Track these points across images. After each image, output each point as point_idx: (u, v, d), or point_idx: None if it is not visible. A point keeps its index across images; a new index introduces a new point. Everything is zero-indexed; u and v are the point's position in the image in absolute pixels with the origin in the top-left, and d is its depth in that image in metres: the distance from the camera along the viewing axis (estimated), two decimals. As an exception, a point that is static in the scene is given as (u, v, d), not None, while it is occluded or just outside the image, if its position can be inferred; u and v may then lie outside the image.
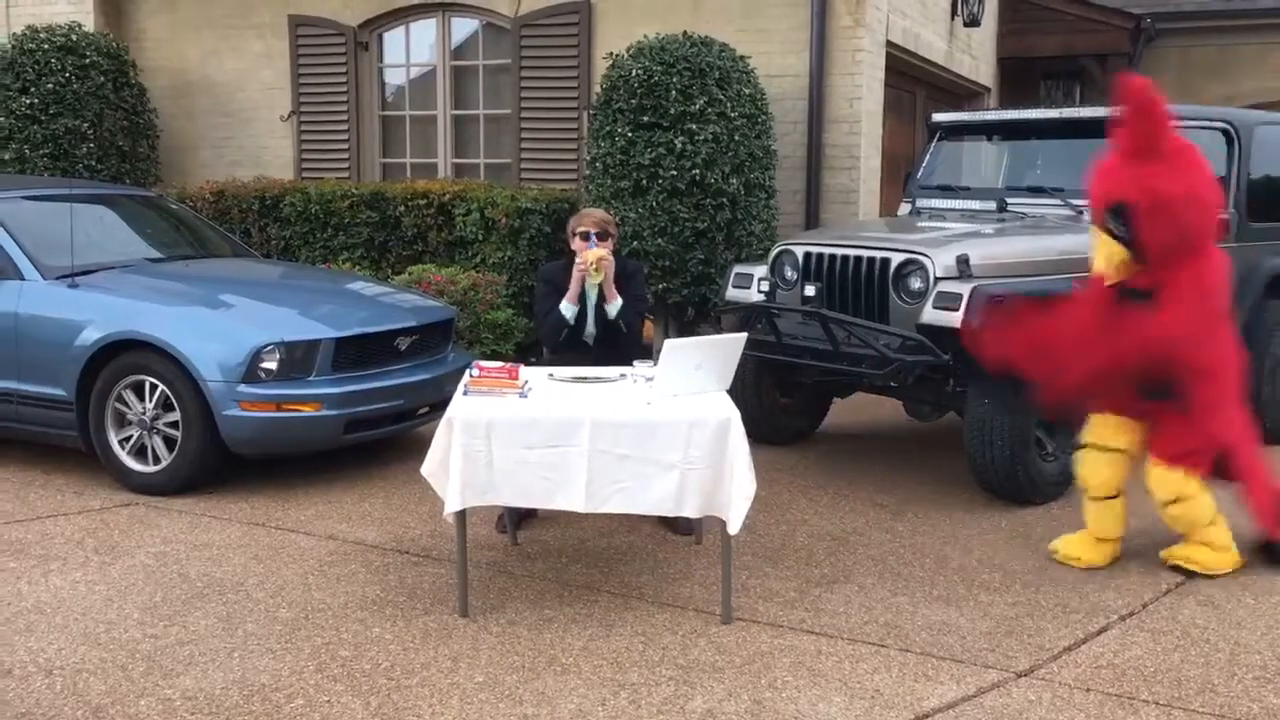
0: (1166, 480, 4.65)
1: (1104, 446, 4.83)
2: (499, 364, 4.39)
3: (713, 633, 4.04)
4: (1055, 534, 5.17)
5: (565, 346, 5.20)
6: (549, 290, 5.21)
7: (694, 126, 7.97)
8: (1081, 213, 6.32)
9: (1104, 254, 4.47)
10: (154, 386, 5.59)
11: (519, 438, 4.01)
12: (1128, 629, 4.15)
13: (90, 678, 3.63)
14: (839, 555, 4.90)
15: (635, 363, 4.61)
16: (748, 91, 8.21)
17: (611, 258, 5.13)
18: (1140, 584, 4.59)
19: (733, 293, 6.48)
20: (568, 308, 5.13)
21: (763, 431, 6.67)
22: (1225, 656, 3.91)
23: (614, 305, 5.15)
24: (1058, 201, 6.47)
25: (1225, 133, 6.81)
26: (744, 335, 4.51)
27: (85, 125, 9.69)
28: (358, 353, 5.85)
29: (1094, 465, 4.85)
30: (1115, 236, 4.42)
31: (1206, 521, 4.67)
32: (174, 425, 5.58)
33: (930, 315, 5.49)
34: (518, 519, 5.07)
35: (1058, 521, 5.37)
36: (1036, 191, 6.66)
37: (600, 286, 5.13)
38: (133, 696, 3.50)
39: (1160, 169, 4.38)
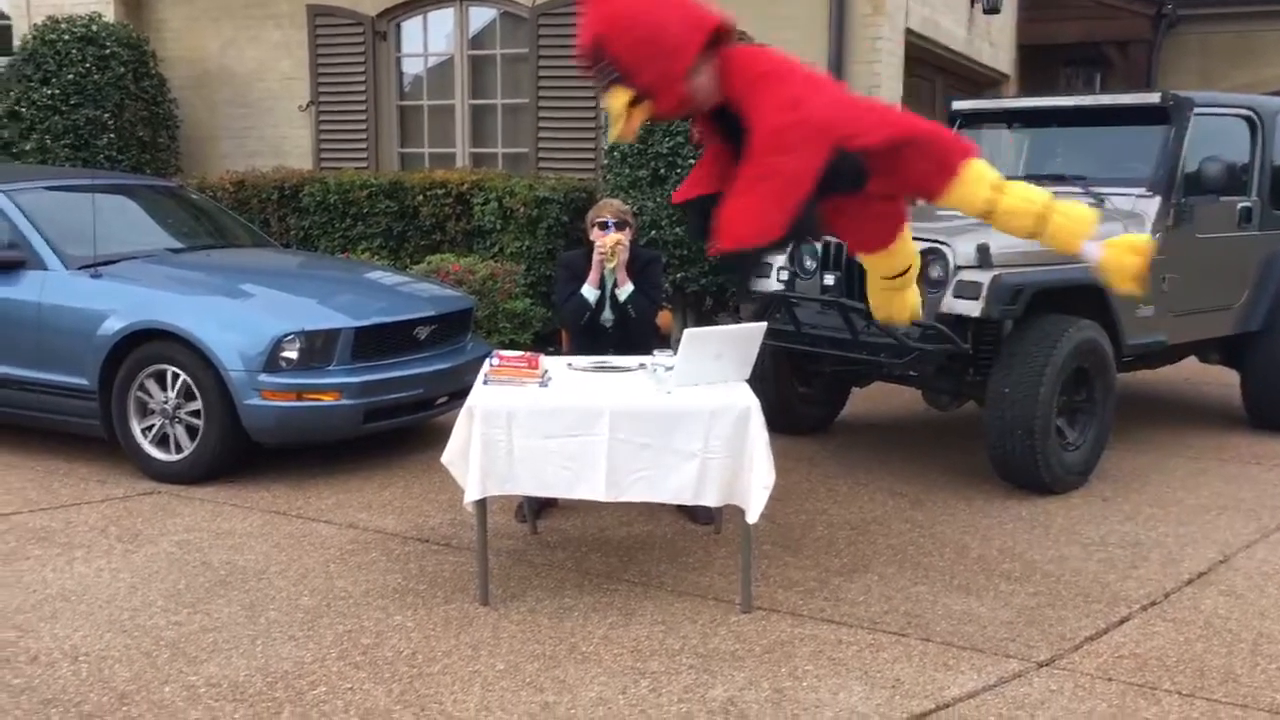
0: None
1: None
2: (519, 353, 4.40)
3: (733, 621, 4.05)
4: (1076, 523, 5.18)
5: (585, 331, 5.21)
6: (568, 277, 5.23)
7: (712, 115, 7.94)
8: (1103, 201, 6.29)
9: (613, 113, 4.09)
10: (176, 376, 5.63)
11: (539, 427, 4.02)
12: (1149, 619, 4.13)
13: (115, 664, 3.66)
14: (858, 544, 4.90)
15: (655, 352, 4.61)
16: (766, 80, 8.18)
17: (627, 243, 5.15)
18: (1161, 574, 4.57)
19: (752, 282, 6.47)
20: (590, 290, 5.15)
21: (781, 421, 6.65)
22: (1248, 646, 3.90)
23: (624, 290, 5.17)
24: (1079, 189, 6.42)
25: (1248, 120, 6.76)
26: (764, 325, 4.50)
27: (106, 116, 9.73)
28: (377, 342, 5.87)
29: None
30: (614, 82, 4.05)
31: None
32: (196, 414, 5.61)
33: (950, 304, 5.47)
34: (537, 508, 5.09)
35: (1078, 511, 5.36)
36: (1058, 179, 6.60)
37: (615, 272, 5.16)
38: (157, 683, 3.53)
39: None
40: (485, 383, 4.25)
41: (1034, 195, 4.46)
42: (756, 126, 4.08)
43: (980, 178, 4.36)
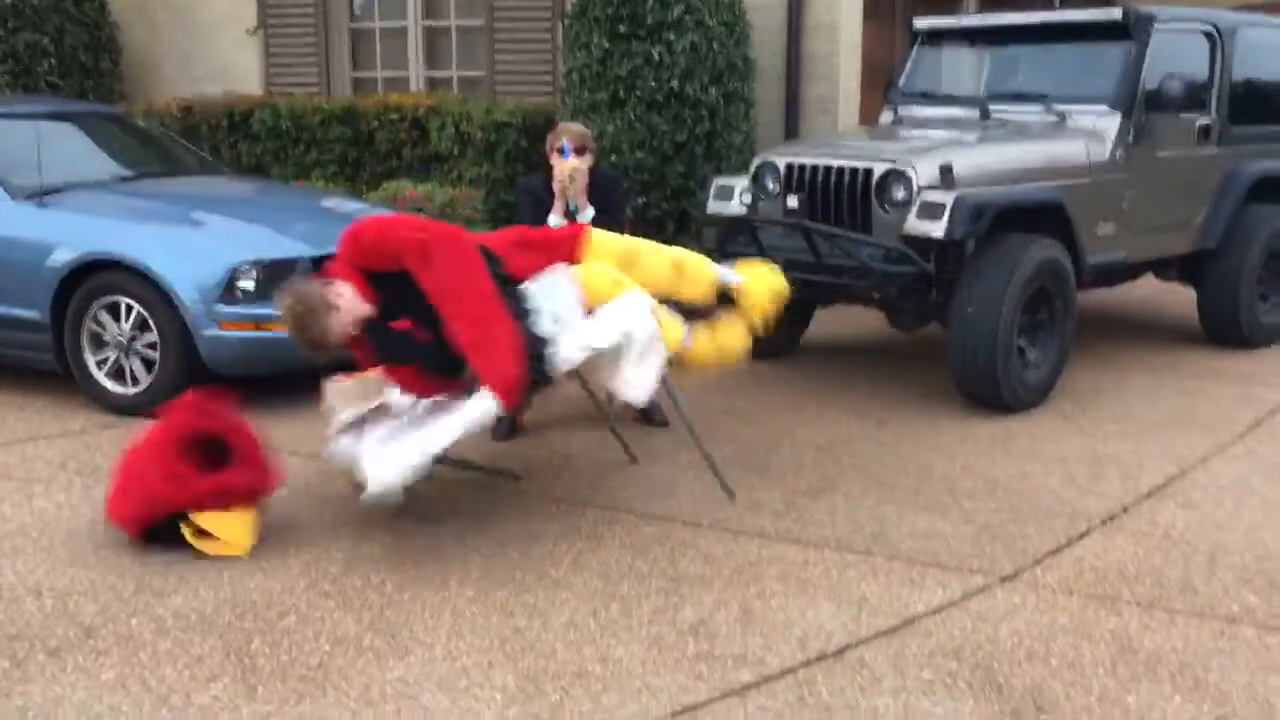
0: None
1: None
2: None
3: (701, 544, 4.07)
4: (1037, 441, 5.24)
5: None
6: (530, 203, 5.16)
7: (671, 36, 7.81)
8: (1065, 118, 6.28)
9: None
10: (129, 307, 5.52)
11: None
12: (1109, 532, 4.21)
13: (80, 598, 3.63)
14: (824, 466, 4.93)
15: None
16: (726, -1, 8.05)
17: (584, 169, 5.08)
18: (1120, 489, 4.65)
19: (714, 205, 6.41)
20: (556, 220, 5.08)
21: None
22: (1205, 558, 3.98)
23: (584, 215, 5.11)
24: (1041, 108, 6.41)
25: (1208, 35, 6.74)
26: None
27: (46, 40, 9.41)
28: (336, 271, 5.77)
29: None
30: None
31: None
32: (152, 346, 5.52)
33: (913, 225, 5.46)
34: (505, 434, 5.09)
35: (1039, 428, 5.42)
36: (1019, 98, 6.60)
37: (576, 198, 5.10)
38: (124, 616, 3.51)
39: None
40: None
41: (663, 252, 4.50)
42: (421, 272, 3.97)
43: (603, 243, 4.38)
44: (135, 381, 5.58)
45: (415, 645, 3.34)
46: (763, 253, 5.84)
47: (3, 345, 5.84)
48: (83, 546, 4.02)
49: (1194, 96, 6.41)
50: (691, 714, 2.99)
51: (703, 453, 4.46)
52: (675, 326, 4.35)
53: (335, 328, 3.95)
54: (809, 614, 3.54)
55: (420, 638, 3.38)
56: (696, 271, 4.49)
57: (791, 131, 8.79)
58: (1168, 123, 6.38)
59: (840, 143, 6.44)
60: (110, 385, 5.62)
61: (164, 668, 3.21)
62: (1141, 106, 6.22)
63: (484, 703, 3.04)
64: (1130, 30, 6.29)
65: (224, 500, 3.99)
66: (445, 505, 4.35)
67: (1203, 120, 6.68)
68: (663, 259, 4.46)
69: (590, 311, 4.10)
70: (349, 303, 3.97)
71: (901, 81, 7.23)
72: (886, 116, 7.20)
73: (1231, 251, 6.86)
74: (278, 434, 5.29)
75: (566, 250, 4.32)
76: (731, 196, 6.29)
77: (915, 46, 7.28)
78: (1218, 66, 6.75)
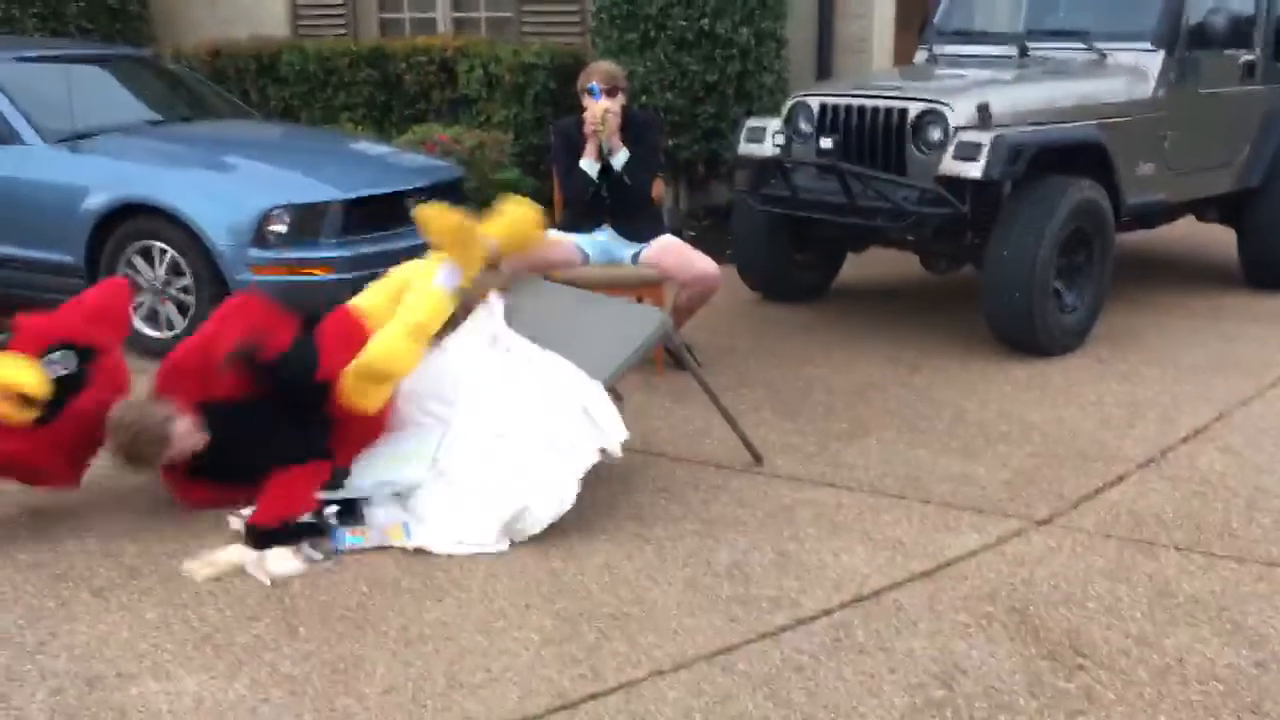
0: None
1: None
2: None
3: (734, 487, 4.07)
4: (1073, 385, 5.19)
5: (590, 204, 5.13)
6: (564, 146, 5.11)
7: (702, -27, 7.70)
8: (1105, 56, 6.15)
9: None
10: (163, 252, 5.54)
11: None
12: (1146, 476, 4.17)
13: (122, 539, 3.68)
14: (856, 409, 4.91)
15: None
16: (757, -66, 7.91)
17: (616, 109, 5.02)
18: (1159, 432, 4.60)
19: (745, 147, 6.33)
20: (590, 164, 5.03)
21: (777, 288, 6.63)
22: (1244, 501, 3.94)
23: (618, 157, 5.05)
24: (1081, 45, 6.28)
25: (1255, -31, 6.57)
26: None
27: (73, -18, 9.39)
28: (367, 215, 5.75)
29: None
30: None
31: None
32: (186, 290, 5.54)
33: (949, 166, 5.38)
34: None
35: (1075, 372, 5.36)
36: (1059, 35, 6.46)
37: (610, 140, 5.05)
38: (165, 557, 3.55)
39: None
40: None
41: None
42: None
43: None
44: (170, 326, 5.61)
45: (452, 587, 3.37)
46: (795, 195, 5.80)
47: (37, 289, 5.87)
48: (123, 490, 4.06)
49: (1238, 32, 6.26)
50: (727, 655, 3.01)
51: (725, 416, 4.43)
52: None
53: (162, 457, 3.73)
54: (843, 557, 3.55)
55: (457, 580, 3.41)
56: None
57: (824, 72, 8.66)
58: (1211, 60, 6.24)
59: (875, 82, 6.32)
60: (145, 329, 5.64)
61: (206, 607, 3.26)
62: (1184, 43, 6.08)
63: (521, 643, 3.06)
64: (1173, -36, 6.13)
65: None
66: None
67: (1247, 56, 6.52)
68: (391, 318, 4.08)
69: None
70: (184, 436, 3.74)
71: (937, 19, 7.09)
72: (921, 56, 7.07)
73: (1274, 192, 6.73)
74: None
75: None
76: (764, 138, 6.20)
77: (954, -18, 7.13)
78: (1262, 1, 6.58)
